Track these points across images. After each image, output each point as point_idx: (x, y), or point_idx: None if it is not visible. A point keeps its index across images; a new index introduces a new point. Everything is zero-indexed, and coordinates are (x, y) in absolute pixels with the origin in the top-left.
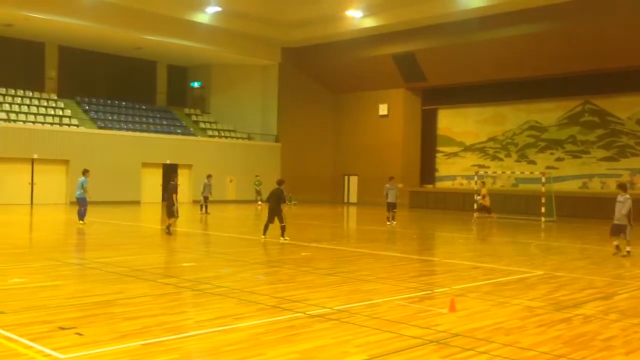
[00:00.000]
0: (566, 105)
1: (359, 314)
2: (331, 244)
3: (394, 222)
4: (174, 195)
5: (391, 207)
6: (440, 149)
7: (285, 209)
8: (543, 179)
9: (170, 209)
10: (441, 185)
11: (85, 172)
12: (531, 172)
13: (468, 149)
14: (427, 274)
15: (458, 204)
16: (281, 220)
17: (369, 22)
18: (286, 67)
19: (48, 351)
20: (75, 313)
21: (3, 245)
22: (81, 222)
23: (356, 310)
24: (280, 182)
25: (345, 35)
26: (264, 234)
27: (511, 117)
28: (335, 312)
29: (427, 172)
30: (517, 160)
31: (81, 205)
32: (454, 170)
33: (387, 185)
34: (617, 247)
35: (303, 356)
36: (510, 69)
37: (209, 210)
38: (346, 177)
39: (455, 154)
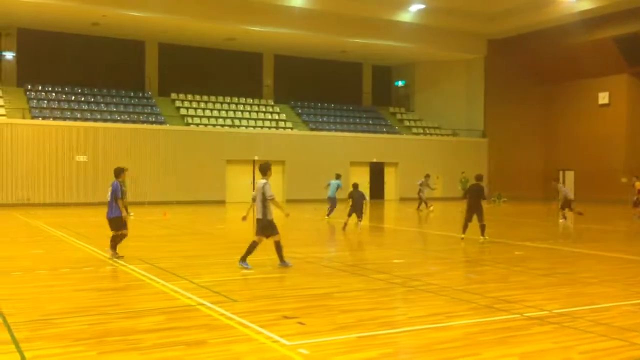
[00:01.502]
0: None
1: (582, 319)
2: (546, 243)
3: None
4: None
5: (565, 204)
6: None
7: (485, 206)
8: None
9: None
10: None
11: (338, 176)
12: None
13: None
14: None
15: None
16: (481, 219)
17: (586, 5)
18: (492, 59)
19: (276, 337)
20: (296, 304)
21: (233, 239)
22: (327, 217)
23: (579, 315)
24: (479, 178)
25: (558, 21)
26: (464, 232)
27: None
28: (555, 315)
29: None
30: None
31: (332, 203)
32: None
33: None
34: None
35: (523, 359)
36: None
37: (421, 207)
38: (561, 172)
39: None
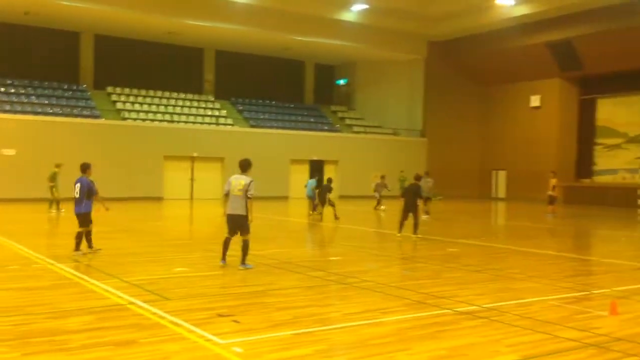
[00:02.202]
0: None
1: (510, 313)
2: (479, 241)
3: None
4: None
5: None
6: (600, 141)
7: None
8: None
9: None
10: (600, 179)
11: (314, 176)
12: None
13: (632, 140)
14: (584, 273)
15: (619, 200)
16: (416, 217)
17: (522, 10)
18: (432, 61)
19: (209, 336)
20: (231, 302)
21: (168, 237)
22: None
23: (506, 309)
24: (417, 178)
25: (495, 26)
26: (400, 231)
27: None
28: (484, 310)
29: (584, 165)
30: None
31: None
32: (615, 164)
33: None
34: None
35: (451, 353)
36: None
37: (378, 207)
38: (494, 172)
39: (617, 146)
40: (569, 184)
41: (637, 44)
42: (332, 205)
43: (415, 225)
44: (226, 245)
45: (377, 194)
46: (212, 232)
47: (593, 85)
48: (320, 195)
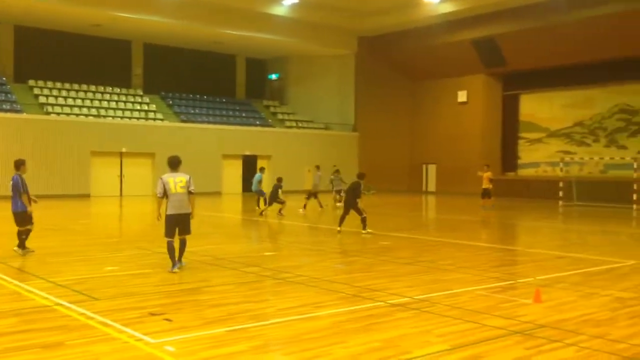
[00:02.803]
0: None
1: (440, 304)
2: (410, 233)
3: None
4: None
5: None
6: (523, 135)
7: (362, 203)
8: (635, 165)
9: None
10: (524, 172)
11: (262, 170)
12: (622, 158)
13: (553, 134)
14: (510, 263)
15: (542, 192)
16: (360, 213)
17: (447, 7)
18: (363, 56)
19: (139, 335)
20: (164, 300)
21: (97, 235)
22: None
23: (437, 300)
24: (360, 176)
25: (423, 22)
26: (340, 225)
27: (600, 101)
28: (415, 301)
29: (509, 159)
30: (606, 146)
31: (259, 195)
32: (538, 157)
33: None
34: None
35: (384, 345)
36: (597, 50)
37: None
38: (425, 166)
39: (539, 140)
40: (495, 177)
41: (558, 41)
42: (282, 202)
43: (363, 221)
44: (173, 249)
45: (335, 190)
46: (143, 230)
47: (516, 81)
48: (272, 194)
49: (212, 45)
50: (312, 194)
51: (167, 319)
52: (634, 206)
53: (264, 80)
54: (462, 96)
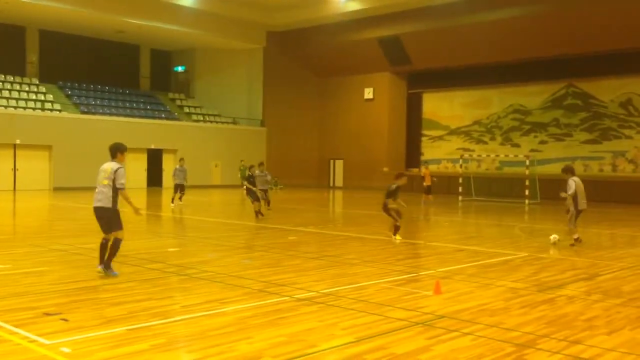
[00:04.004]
0: (550, 89)
1: (345, 297)
2: (317, 228)
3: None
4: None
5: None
6: (426, 132)
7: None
8: (527, 162)
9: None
10: (414, 170)
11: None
12: (515, 155)
13: (453, 132)
14: (413, 256)
15: (443, 188)
16: (393, 216)
17: (354, 6)
18: (271, 51)
19: (33, 337)
20: (60, 299)
21: None
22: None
23: (342, 294)
24: (398, 176)
25: (330, 19)
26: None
27: (496, 101)
28: (321, 295)
29: (413, 155)
30: (501, 144)
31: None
32: (440, 154)
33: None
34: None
35: (290, 339)
36: (495, 52)
37: (182, 199)
38: (332, 161)
39: (440, 138)
40: (399, 173)
41: (457, 42)
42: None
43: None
44: (103, 247)
45: (179, 184)
46: (38, 226)
47: (420, 80)
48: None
49: (115, 35)
50: (178, 187)
51: (63, 319)
52: (526, 201)
53: (169, 72)
54: (368, 93)
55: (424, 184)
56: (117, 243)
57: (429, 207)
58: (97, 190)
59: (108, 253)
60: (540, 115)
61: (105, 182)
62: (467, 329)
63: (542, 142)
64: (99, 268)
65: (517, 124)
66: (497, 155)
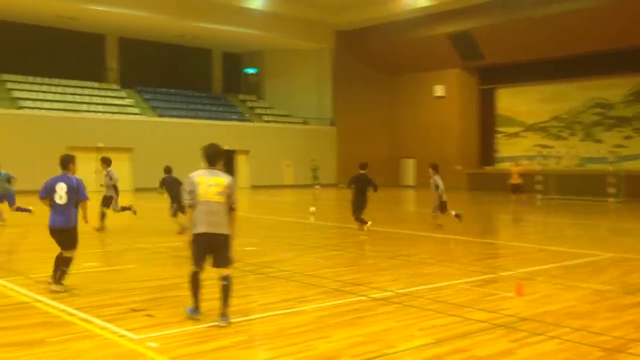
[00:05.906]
0: (632, 82)
1: (423, 298)
2: (391, 227)
3: None
4: None
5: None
6: (500, 129)
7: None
8: (611, 158)
9: None
10: (502, 166)
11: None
12: (597, 151)
13: (530, 128)
14: (491, 257)
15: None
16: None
17: (424, 2)
18: (340, 50)
19: (122, 332)
20: (144, 295)
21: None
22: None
23: (419, 294)
24: (363, 167)
25: (399, 16)
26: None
27: (575, 95)
28: (398, 295)
29: (487, 153)
30: (582, 140)
31: None
32: (515, 151)
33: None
34: None
35: (369, 339)
36: (572, 44)
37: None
38: (403, 160)
39: (516, 134)
40: (473, 171)
41: (531, 35)
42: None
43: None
44: (196, 283)
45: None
46: (122, 225)
47: (492, 75)
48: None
49: (188, 39)
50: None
51: (148, 315)
52: (611, 199)
53: (240, 75)
54: (439, 90)
55: (510, 181)
56: (227, 284)
57: (519, 207)
58: (205, 208)
59: (221, 297)
60: (624, 109)
61: (221, 199)
62: (553, 332)
63: (628, 137)
64: (194, 315)
65: (599, 118)
66: (578, 152)
